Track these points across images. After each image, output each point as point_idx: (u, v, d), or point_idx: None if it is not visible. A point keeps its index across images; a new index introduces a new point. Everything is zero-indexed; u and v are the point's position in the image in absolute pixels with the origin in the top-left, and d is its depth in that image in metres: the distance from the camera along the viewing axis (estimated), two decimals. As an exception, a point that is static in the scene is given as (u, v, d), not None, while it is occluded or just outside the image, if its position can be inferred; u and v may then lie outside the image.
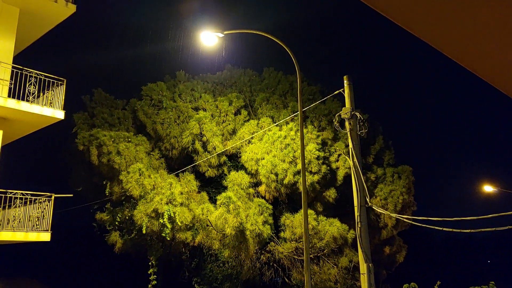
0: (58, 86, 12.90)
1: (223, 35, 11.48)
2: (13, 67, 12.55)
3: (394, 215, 10.89)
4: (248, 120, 19.90)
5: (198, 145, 18.92)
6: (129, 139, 18.63)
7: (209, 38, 11.57)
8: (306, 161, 16.87)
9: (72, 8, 13.58)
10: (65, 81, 12.98)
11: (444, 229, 7.47)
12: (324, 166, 17.47)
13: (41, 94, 12.68)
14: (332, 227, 16.84)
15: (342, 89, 9.85)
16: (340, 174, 18.32)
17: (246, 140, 18.88)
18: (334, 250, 17.48)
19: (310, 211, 16.78)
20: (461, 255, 44.48)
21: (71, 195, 14.47)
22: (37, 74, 12.58)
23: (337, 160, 18.57)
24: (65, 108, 12.92)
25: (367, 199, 8.93)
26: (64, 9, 13.49)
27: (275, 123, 18.84)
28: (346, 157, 9.73)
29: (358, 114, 9.37)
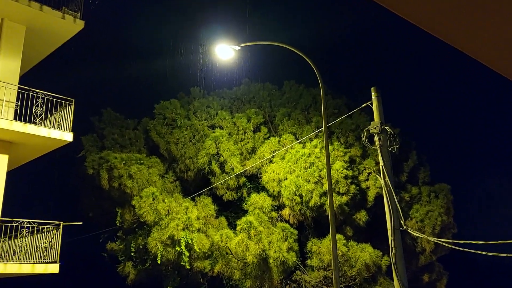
0: (66, 106, 13.19)
1: (239, 47, 11.65)
2: (19, 88, 12.83)
3: (432, 238, 10.68)
4: (268, 138, 19.98)
5: (215, 166, 19.04)
6: (141, 161, 18.89)
7: (225, 52, 11.76)
8: (333, 181, 16.77)
9: (80, 24, 13.96)
10: (73, 101, 13.26)
11: (489, 253, 7.28)
12: (353, 186, 17.33)
13: (49, 115, 12.97)
14: (364, 253, 16.60)
15: (369, 102, 9.83)
16: (371, 194, 18.13)
17: (266, 160, 18.92)
18: (367, 279, 17.17)
19: (339, 236, 16.59)
20: (509, 282, 42.99)
21: (81, 223, 14.66)
22: (45, 95, 12.87)
23: (367, 179, 18.40)
24: (73, 129, 13.19)
25: (402, 222, 8.81)
26: (72, 26, 13.88)
27: (298, 140, 18.85)
28: (377, 176, 9.66)
29: (388, 129, 9.31)
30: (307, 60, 11.20)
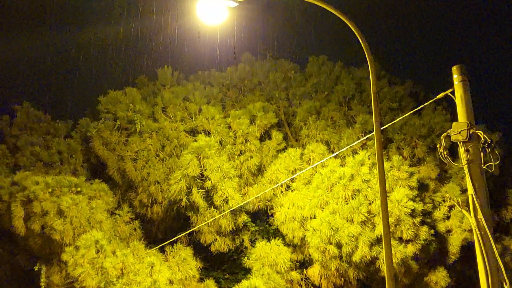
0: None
1: (237, 4, 11.63)
2: None
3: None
4: (284, 149, 19.92)
5: (197, 196, 18.94)
6: (79, 189, 18.83)
7: (213, 11, 11.74)
8: (391, 219, 16.65)
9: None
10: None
11: None
12: (425, 228, 17.18)
13: None
14: (444, 338, 16.47)
15: (450, 90, 9.77)
16: (455, 241, 17.98)
17: (282, 185, 18.82)
18: None
19: (401, 311, 16.47)
20: None
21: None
22: None
23: (448, 217, 18.28)
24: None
25: (506, 287, 8.72)
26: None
27: (332, 152, 18.75)
28: (464, 211, 9.53)
29: (481, 134, 9.22)
30: (346, 21, 11.16)
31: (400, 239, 17.07)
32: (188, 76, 22.88)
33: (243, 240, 19.52)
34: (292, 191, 18.75)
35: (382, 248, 13.91)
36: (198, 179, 18.98)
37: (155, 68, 22.61)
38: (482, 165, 9.24)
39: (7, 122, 21.94)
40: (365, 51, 11.14)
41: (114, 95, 21.04)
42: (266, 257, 17.80)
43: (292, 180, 18.73)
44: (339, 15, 11.28)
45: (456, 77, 9.67)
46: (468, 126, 9.27)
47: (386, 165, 17.51)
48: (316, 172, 18.31)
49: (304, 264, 18.47)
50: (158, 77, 22.37)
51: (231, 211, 18.73)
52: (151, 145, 20.22)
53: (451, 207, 18.22)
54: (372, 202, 17.02)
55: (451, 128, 9.46)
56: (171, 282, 17.09)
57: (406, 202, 16.93)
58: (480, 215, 8.91)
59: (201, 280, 18.35)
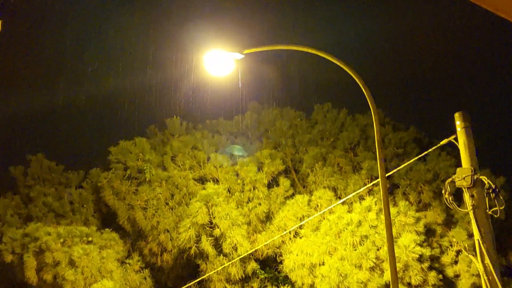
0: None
1: (243, 56, 11.70)
2: None
3: None
4: (292, 196, 19.86)
5: (206, 244, 18.85)
6: (90, 239, 18.78)
7: (220, 62, 11.81)
8: (399, 265, 16.50)
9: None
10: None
11: None
12: (433, 273, 17.00)
13: None
14: None
15: (454, 137, 9.75)
16: (463, 286, 17.71)
17: (290, 232, 18.71)
18: None
19: None
20: None
21: None
22: None
23: (456, 262, 18.07)
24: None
25: (515, 333, 8.57)
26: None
27: (339, 198, 18.67)
28: (471, 256, 9.42)
29: (485, 180, 9.16)
30: (349, 72, 11.19)
31: (409, 285, 16.88)
32: (197, 125, 23.03)
33: None
34: (300, 237, 18.66)
35: (390, 294, 13.75)
36: (207, 227, 18.92)
37: (165, 118, 22.75)
38: (488, 210, 9.15)
39: (21, 172, 22.01)
40: (368, 101, 11.14)
41: (124, 145, 21.15)
42: (276, 304, 17.67)
43: (300, 227, 18.63)
44: (342, 66, 11.31)
45: (458, 124, 9.65)
46: (472, 172, 9.21)
47: (393, 210, 17.43)
48: (324, 218, 18.23)
49: (314, 311, 18.26)
50: (167, 127, 22.51)
51: (240, 258, 18.61)
52: (161, 193, 20.21)
53: (458, 252, 18.04)
54: (380, 247, 16.90)
55: (455, 173, 9.41)
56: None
57: (414, 248, 16.81)
58: (487, 260, 8.79)
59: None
